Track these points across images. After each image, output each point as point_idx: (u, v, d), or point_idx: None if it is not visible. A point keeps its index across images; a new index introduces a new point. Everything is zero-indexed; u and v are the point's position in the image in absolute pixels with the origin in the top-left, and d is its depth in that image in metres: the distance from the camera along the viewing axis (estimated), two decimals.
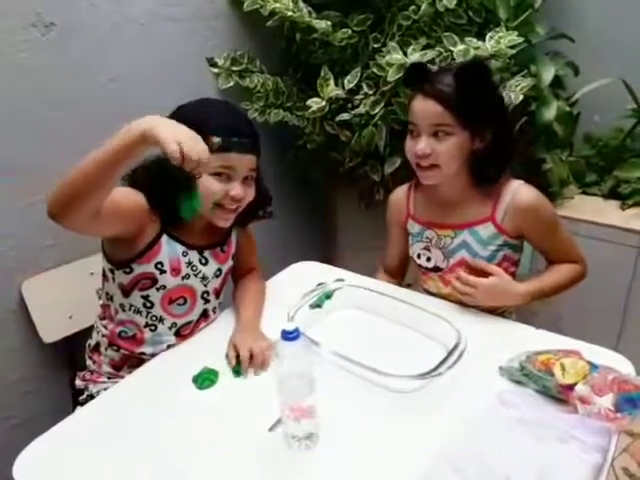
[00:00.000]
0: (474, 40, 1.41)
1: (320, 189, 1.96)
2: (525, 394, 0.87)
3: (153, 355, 1.07)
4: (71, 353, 1.27)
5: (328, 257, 1.86)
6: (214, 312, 1.16)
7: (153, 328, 1.07)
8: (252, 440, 0.84)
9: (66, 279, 1.29)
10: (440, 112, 1.01)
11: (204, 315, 1.14)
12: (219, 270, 1.14)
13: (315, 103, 1.54)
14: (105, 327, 1.11)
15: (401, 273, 1.34)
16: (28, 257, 1.25)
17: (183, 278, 1.06)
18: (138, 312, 1.06)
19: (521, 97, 1.41)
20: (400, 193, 1.26)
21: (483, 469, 0.73)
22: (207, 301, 1.13)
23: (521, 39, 1.38)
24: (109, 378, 1.09)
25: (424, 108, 1.03)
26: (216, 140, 0.92)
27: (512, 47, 1.39)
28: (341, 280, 1.22)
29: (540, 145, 1.62)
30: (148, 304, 1.05)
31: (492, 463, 0.74)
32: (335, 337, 1.01)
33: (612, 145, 1.71)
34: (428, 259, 1.20)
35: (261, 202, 1.13)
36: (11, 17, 1.14)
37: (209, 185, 0.97)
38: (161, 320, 1.07)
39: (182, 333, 1.10)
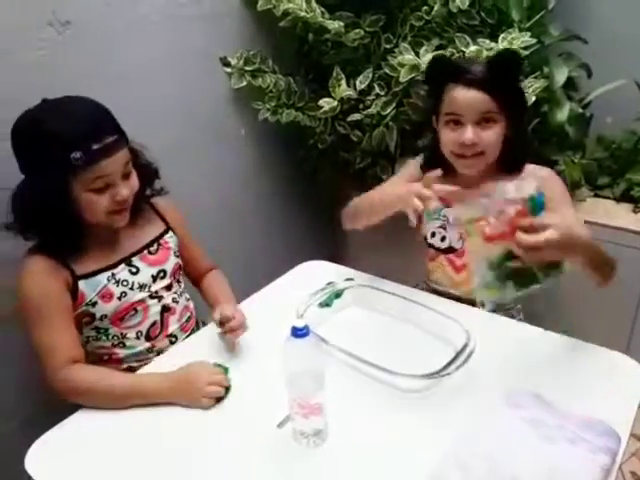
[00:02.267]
0: (487, 41, 1.40)
1: (330, 189, 1.95)
2: (533, 395, 0.86)
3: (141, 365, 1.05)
4: None
5: (337, 257, 1.85)
6: (175, 302, 1.12)
7: (121, 345, 1.06)
8: (261, 436, 0.85)
9: None
10: (486, 100, 1.03)
11: (165, 310, 1.10)
12: (162, 271, 1.09)
13: (327, 103, 1.55)
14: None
15: None
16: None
17: (119, 298, 1.02)
18: (98, 339, 1.04)
19: (533, 98, 1.40)
20: (430, 168, 1.14)
21: (491, 469, 0.73)
22: (160, 298, 1.09)
23: (534, 40, 1.37)
24: None
25: (469, 97, 1.03)
26: (77, 156, 0.86)
27: (525, 48, 1.38)
28: (350, 279, 1.23)
29: (552, 147, 1.61)
30: (102, 330, 1.04)
31: (500, 463, 0.74)
32: (344, 336, 1.02)
33: (625, 147, 1.70)
34: (443, 239, 1.20)
35: (146, 179, 1.05)
36: (28, 15, 1.16)
37: (93, 202, 0.92)
38: (124, 336, 1.05)
39: (152, 335, 1.08)
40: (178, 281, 1.15)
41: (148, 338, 1.08)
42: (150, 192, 1.09)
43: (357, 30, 1.54)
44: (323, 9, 1.53)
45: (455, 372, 0.88)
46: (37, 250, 0.97)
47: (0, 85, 1.12)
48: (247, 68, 1.60)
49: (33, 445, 0.86)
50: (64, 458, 0.85)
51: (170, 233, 1.14)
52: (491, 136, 1.06)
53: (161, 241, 1.11)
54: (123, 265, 1.04)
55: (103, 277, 1.01)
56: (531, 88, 1.43)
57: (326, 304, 1.16)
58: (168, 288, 1.11)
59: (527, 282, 0.87)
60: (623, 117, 1.69)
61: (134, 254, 1.06)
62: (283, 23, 1.58)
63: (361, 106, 1.58)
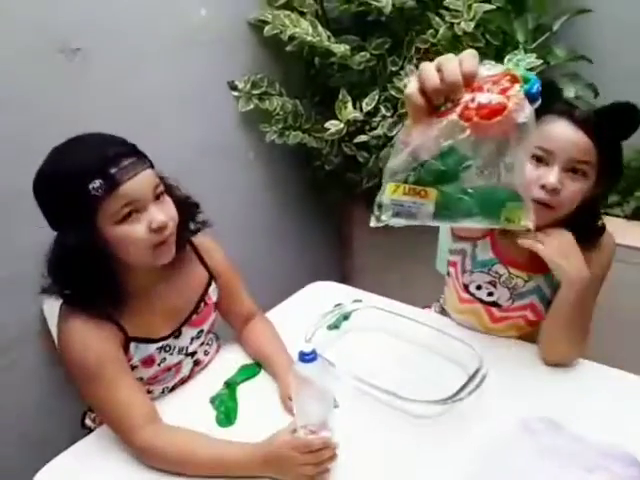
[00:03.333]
0: (492, 63, 1.40)
1: (338, 209, 1.97)
2: (549, 421, 0.84)
3: None
4: None
5: (344, 278, 1.85)
6: (206, 354, 1.08)
7: None
8: None
9: None
10: (588, 148, 0.88)
11: (196, 364, 1.05)
12: (200, 332, 1.03)
13: (333, 125, 1.55)
14: None
15: None
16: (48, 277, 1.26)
17: (159, 364, 0.97)
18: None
19: None
20: None
21: None
22: (194, 354, 1.04)
23: (540, 61, 1.38)
24: None
25: (571, 138, 0.88)
26: (97, 185, 0.77)
27: (531, 69, 1.38)
28: (359, 301, 1.21)
29: None
30: None
31: None
32: (353, 359, 1.00)
33: (634, 166, 1.68)
34: (490, 294, 1.07)
35: (186, 213, 0.94)
36: (38, 42, 1.17)
37: (128, 235, 0.81)
38: (149, 392, 0.98)
39: (176, 389, 1.03)
40: (211, 331, 1.09)
41: (171, 391, 1.03)
42: (194, 227, 0.98)
43: (363, 53, 1.55)
44: (329, 33, 1.55)
45: (468, 397, 0.86)
46: (78, 304, 0.87)
47: (8, 112, 1.14)
48: (254, 92, 1.61)
49: (41, 471, 0.85)
50: None
51: (213, 285, 1.04)
52: (574, 190, 0.90)
53: (206, 298, 1.02)
54: (171, 337, 0.98)
55: (153, 347, 0.94)
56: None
57: (334, 326, 1.15)
58: (202, 344, 1.06)
59: None
60: (632, 136, 1.67)
61: (184, 322, 0.99)
62: (290, 47, 1.59)
63: (367, 127, 1.58)
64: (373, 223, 0.64)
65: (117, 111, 1.34)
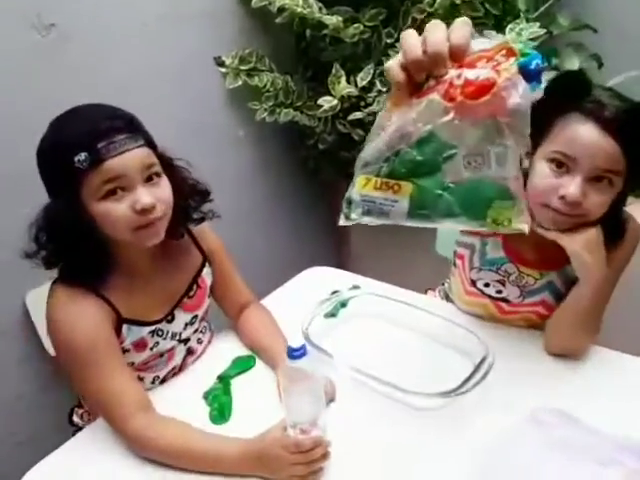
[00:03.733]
0: (493, 33, 1.33)
1: (331, 191, 1.90)
2: (559, 412, 0.80)
3: None
4: None
5: (340, 262, 1.81)
6: (200, 342, 1.04)
7: None
8: None
9: None
10: (617, 156, 0.78)
11: (189, 353, 1.02)
12: (194, 317, 1.00)
13: (326, 102, 1.50)
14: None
15: None
16: (30, 267, 1.21)
17: (152, 348, 0.93)
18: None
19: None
20: None
21: None
22: (187, 341, 1.00)
23: (543, 30, 1.32)
24: None
25: (598, 144, 0.78)
26: (82, 158, 0.75)
27: (533, 39, 1.32)
28: (357, 287, 1.17)
29: None
30: None
31: None
32: (351, 349, 0.96)
33: None
34: (499, 292, 1.02)
35: (189, 198, 0.91)
36: (10, 17, 1.10)
37: (109, 212, 0.78)
38: (140, 379, 0.94)
39: (167, 380, 0.99)
40: (205, 319, 1.06)
41: (162, 382, 0.99)
42: (199, 216, 0.95)
43: (356, 25, 1.49)
44: (320, 4, 1.48)
45: (473, 389, 0.82)
46: (68, 281, 0.85)
47: None
48: (242, 67, 1.55)
49: (30, 471, 0.82)
50: None
51: (207, 268, 1.01)
52: (601, 202, 0.82)
53: (199, 280, 0.99)
54: (165, 317, 0.95)
55: (145, 330, 0.91)
56: None
57: (332, 314, 1.11)
58: (195, 331, 1.02)
59: None
60: None
61: (176, 305, 0.96)
62: (279, 20, 1.53)
63: (362, 104, 1.53)
64: (342, 222, 0.58)
65: (98, 89, 1.25)
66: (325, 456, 0.76)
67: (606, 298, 0.93)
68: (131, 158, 0.78)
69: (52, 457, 0.85)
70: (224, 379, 0.97)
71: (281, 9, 1.48)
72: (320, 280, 1.26)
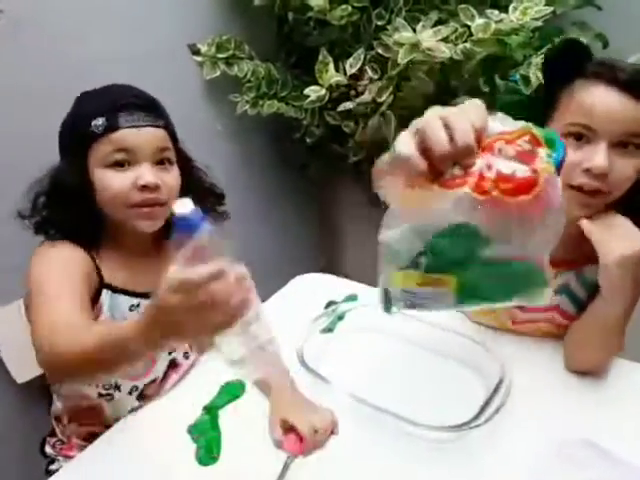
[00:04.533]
0: (495, 12, 1.26)
1: (321, 187, 1.85)
2: (589, 444, 0.72)
3: None
4: (49, 394, 1.13)
5: (332, 262, 1.74)
6: (186, 357, 0.97)
7: (109, 398, 0.89)
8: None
9: None
10: (639, 118, 0.73)
11: (172, 366, 0.95)
12: None
13: (313, 92, 1.43)
14: (57, 399, 0.95)
15: None
16: None
17: None
18: (85, 383, 0.87)
19: None
20: None
21: None
22: (171, 351, 0.94)
23: (550, 9, 1.22)
24: (81, 450, 0.90)
25: (614, 107, 0.72)
26: (99, 123, 0.78)
27: (538, 19, 1.23)
28: (353, 297, 1.09)
29: None
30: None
31: None
32: (351, 372, 0.88)
33: None
34: None
35: (202, 199, 0.90)
36: None
37: (108, 180, 0.79)
38: (117, 387, 0.88)
39: (146, 394, 0.92)
40: None
41: (140, 397, 0.91)
42: (213, 217, 0.93)
43: (344, 6, 1.39)
44: None
45: (491, 418, 0.74)
46: (58, 237, 0.83)
47: None
48: (220, 55, 1.47)
49: None
50: None
51: None
52: (629, 170, 0.75)
53: None
54: (149, 300, 0.86)
55: (126, 302, 0.86)
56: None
57: (328, 329, 1.02)
58: None
59: None
60: None
61: None
62: (258, 2, 1.45)
63: (353, 93, 1.46)
64: (381, 311, 0.62)
65: (55, 76, 1.16)
66: (229, 295, 0.54)
67: (632, 312, 0.84)
68: (146, 134, 0.80)
69: None
70: (211, 410, 0.88)
71: None
72: (312, 289, 1.18)
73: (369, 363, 0.94)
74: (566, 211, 0.73)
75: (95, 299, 0.83)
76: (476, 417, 0.74)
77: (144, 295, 0.87)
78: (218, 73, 1.47)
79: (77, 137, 0.80)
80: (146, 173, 0.79)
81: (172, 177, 0.83)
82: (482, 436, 0.75)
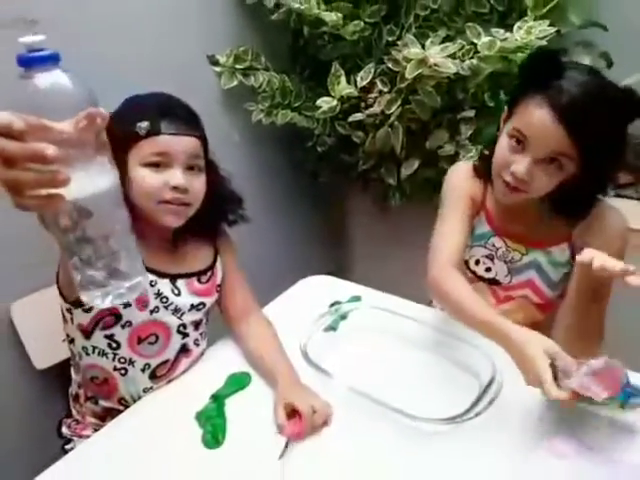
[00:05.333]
0: (500, 31, 1.30)
1: (331, 194, 1.88)
2: (577, 440, 0.75)
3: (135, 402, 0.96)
4: (66, 379, 1.18)
5: (339, 268, 1.78)
6: (197, 344, 1.02)
7: (123, 372, 0.95)
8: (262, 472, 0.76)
9: (57, 300, 1.19)
10: (567, 144, 0.82)
11: (183, 350, 1.00)
12: (201, 304, 1.00)
13: (325, 103, 1.46)
14: (77, 374, 1.01)
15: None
16: (15, 277, 1.16)
17: (152, 312, 0.93)
18: (103, 354, 0.94)
19: None
20: (481, 173, 1.02)
21: None
22: (185, 335, 0.99)
23: (553, 29, 1.26)
24: (95, 430, 0.97)
25: (549, 131, 0.82)
26: (143, 125, 0.85)
27: (542, 38, 1.27)
28: (357, 298, 1.13)
29: None
30: (113, 345, 0.93)
31: None
32: (352, 367, 0.92)
33: None
34: (488, 269, 1.05)
35: (226, 203, 1.02)
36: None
37: (143, 178, 0.86)
38: (131, 362, 0.94)
39: (158, 374, 0.97)
40: (207, 321, 1.06)
41: (153, 376, 0.97)
42: (233, 218, 1.05)
43: (356, 22, 1.44)
44: (319, 0, 1.42)
45: (483, 412, 0.78)
46: None
47: None
48: (238, 66, 1.51)
49: None
50: None
51: (219, 261, 1.05)
52: (547, 182, 0.87)
53: (215, 269, 1.03)
54: (167, 281, 0.95)
55: (146, 277, 0.89)
56: None
57: (331, 328, 1.06)
58: (197, 326, 1.01)
59: None
60: None
61: (182, 276, 0.98)
62: (275, 16, 1.50)
63: (363, 105, 1.49)
64: None
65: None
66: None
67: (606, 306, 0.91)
68: (182, 141, 0.88)
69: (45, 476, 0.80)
70: (218, 399, 0.92)
71: (277, 5, 1.45)
72: (318, 290, 1.21)
73: (369, 360, 0.98)
74: (501, 196, 0.91)
75: None
76: (468, 411, 0.78)
77: (165, 275, 0.95)
78: (235, 83, 1.51)
79: (121, 135, 0.83)
80: (178, 176, 0.87)
81: (199, 183, 0.92)
82: (474, 429, 0.78)
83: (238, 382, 0.96)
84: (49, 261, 1.16)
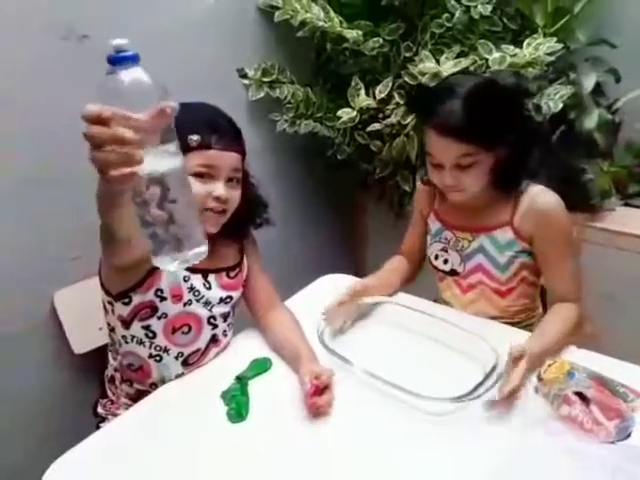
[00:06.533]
0: (510, 47, 1.37)
1: (350, 200, 1.93)
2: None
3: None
4: (101, 364, 1.27)
5: (358, 270, 1.83)
6: (225, 335, 1.09)
7: (158, 359, 1.02)
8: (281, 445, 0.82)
9: (96, 290, 1.29)
10: (461, 147, 0.97)
11: (213, 340, 1.07)
12: (229, 297, 1.07)
13: (346, 113, 1.53)
14: (114, 359, 1.09)
15: (419, 260, 1.29)
16: (58, 269, 1.26)
17: (185, 304, 1.00)
18: (141, 343, 1.01)
19: (560, 105, 1.36)
20: (430, 183, 1.16)
21: None
22: (215, 326, 1.06)
23: (560, 46, 1.33)
24: (128, 409, 1.03)
25: (443, 146, 0.98)
26: (195, 138, 0.90)
27: (550, 54, 1.34)
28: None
29: (580, 155, 1.56)
30: (150, 334, 1.00)
31: None
32: (366, 355, 0.99)
33: None
34: (445, 261, 1.17)
35: (254, 208, 1.09)
36: (43, 29, 1.16)
37: (192, 187, 0.91)
38: (166, 350, 1.02)
39: (190, 362, 1.04)
40: (234, 314, 1.12)
41: (185, 363, 1.04)
42: (259, 221, 1.12)
43: (376, 38, 1.52)
44: (341, 18, 1.51)
45: (485, 394, 0.85)
46: None
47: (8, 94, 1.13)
48: (265, 79, 1.59)
49: (52, 464, 0.84)
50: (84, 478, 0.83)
51: (245, 262, 1.12)
52: (471, 178, 1.01)
53: (242, 266, 1.11)
54: (200, 276, 1.02)
55: (181, 272, 0.99)
56: (557, 95, 1.38)
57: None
58: (225, 318, 1.08)
59: None
60: None
61: (212, 271, 1.04)
62: (301, 33, 1.57)
63: (381, 116, 1.55)
64: None
65: None
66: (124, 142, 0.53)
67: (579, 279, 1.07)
68: (228, 156, 0.95)
69: (75, 451, 0.87)
70: (242, 380, 1.00)
71: (303, 23, 1.51)
72: (336, 286, 1.26)
73: (382, 348, 1.05)
74: (450, 198, 1.08)
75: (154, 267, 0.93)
76: (472, 392, 0.85)
77: (198, 270, 1.01)
78: (262, 95, 1.58)
79: None
80: (221, 188, 0.94)
81: (237, 194, 0.99)
82: (476, 411, 0.85)
83: (260, 366, 1.04)
84: (90, 254, 1.27)
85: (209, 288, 1.03)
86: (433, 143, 1.01)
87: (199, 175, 0.93)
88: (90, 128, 0.51)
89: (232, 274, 1.08)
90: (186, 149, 0.88)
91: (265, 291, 1.15)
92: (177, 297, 0.99)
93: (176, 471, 0.82)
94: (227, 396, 0.97)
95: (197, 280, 1.02)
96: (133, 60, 0.55)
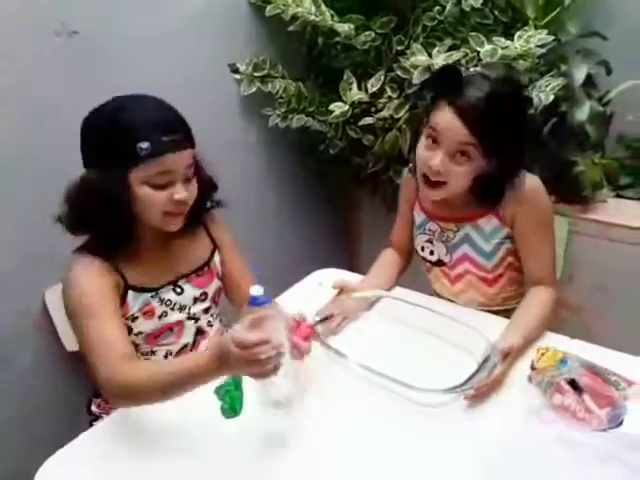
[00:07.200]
0: (502, 40, 1.37)
1: (342, 194, 1.94)
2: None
3: None
4: None
5: (351, 264, 1.84)
6: (210, 325, 1.08)
7: (147, 358, 1.02)
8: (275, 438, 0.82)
9: None
10: (468, 135, 0.95)
11: (199, 333, 1.06)
12: (203, 294, 1.05)
13: (338, 107, 1.53)
14: None
15: (409, 250, 1.27)
16: (50, 266, 1.24)
17: (160, 317, 0.99)
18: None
19: (552, 97, 1.36)
20: (409, 174, 1.19)
21: None
22: (197, 320, 1.05)
23: (551, 38, 1.33)
24: None
25: (452, 126, 0.96)
26: (144, 146, 0.83)
27: (541, 46, 1.34)
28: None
29: (571, 147, 1.56)
30: (134, 344, 0.97)
31: None
32: (361, 348, 0.99)
33: None
34: (431, 252, 1.18)
35: (206, 192, 1.01)
36: (35, 24, 1.15)
37: (151, 197, 0.87)
38: (153, 352, 1.01)
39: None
40: (216, 304, 1.11)
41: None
42: (209, 204, 1.05)
43: (367, 32, 1.52)
44: (332, 12, 1.51)
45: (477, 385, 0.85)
46: (88, 251, 0.92)
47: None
48: (256, 74, 1.59)
49: (45, 463, 0.84)
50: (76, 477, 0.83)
51: (217, 254, 1.09)
52: (460, 172, 0.99)
53: (211, 264, 1.07)
54: (170, 287, 1.00)
55: (149, 294, 0.97)
56: (549, 87, 1.39)
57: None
58: (206, 311, 1.07)
59: None
60: None
61: (183, 276, 1.02)
62: (292, 27, 1.57)
63: (373, 109, 1.56)
64: None
65: (113, 94, 1.30)
66: (272, 358, 0.74)
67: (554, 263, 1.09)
68: (183, 157, 0.88)
69: (67, 448, 0.87)
70: (235, 376, 1.00)
71: (294, 17, 1.51)
72: (330, 281, 1.26)
73: (376, 341, 1.05)
74: (426, 194, 1.06)
75: (122, 299, 0.94)
76: (465, 383, 0.85)
77: (161, 286, 0.98)
78: (254, 90, 1.58)
79: (120, 155, 0.84)
80: (180, 191, 0.89)
81: (194, 188, 0.94)
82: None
83: None
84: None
85: (180, 293, 1.01)
86: (444, 119, 0.97)
87: (157, 187, 0.87)
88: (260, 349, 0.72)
89: (201, 272, 1.05)
90: (135, 160, 0.84)
91: (245, 284, 1.08)
92: (149, 314, 0.98)
93: (170, 467, 0.81)
94: (221, 391, 0.95)
95: (166, 292, 1.00)
96: (267, 303, 0.78)
